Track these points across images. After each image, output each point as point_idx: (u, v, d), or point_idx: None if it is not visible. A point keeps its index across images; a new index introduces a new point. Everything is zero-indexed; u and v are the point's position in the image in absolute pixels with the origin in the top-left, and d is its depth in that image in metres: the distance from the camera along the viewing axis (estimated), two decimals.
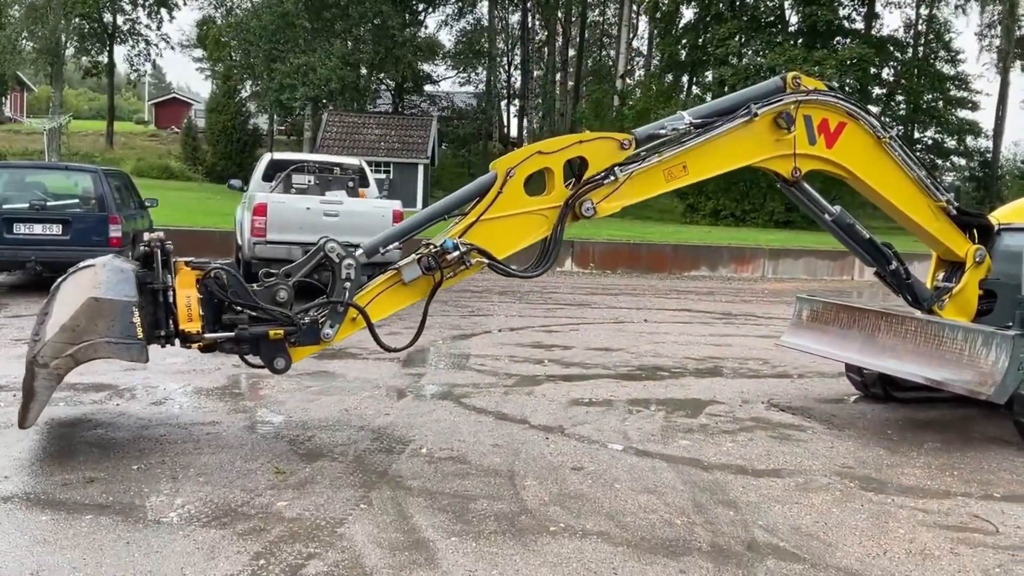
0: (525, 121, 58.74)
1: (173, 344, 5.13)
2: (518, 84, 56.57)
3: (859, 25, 38.97)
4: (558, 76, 54.43)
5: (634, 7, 46.85)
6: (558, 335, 10.87)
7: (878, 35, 39.83)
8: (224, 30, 46.03)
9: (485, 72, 51.37)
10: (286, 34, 37.83)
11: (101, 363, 7.81)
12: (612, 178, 5.64)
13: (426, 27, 49.08)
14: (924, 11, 43.69)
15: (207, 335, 5.05)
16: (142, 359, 4.78)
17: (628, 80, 45.17)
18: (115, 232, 11.91)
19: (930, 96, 40.36)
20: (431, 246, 5.39)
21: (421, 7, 46.76)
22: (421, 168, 38.19)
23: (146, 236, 5.19)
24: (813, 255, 21.63)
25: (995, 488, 5.48)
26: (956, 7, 42.51)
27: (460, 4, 50.87)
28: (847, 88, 30.55)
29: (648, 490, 5.12)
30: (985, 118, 42.96)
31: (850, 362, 7.52)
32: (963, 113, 41.05)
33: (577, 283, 17.45)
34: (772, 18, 34.98)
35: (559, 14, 52.55)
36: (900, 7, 42.21)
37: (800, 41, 32.82)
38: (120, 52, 61.57)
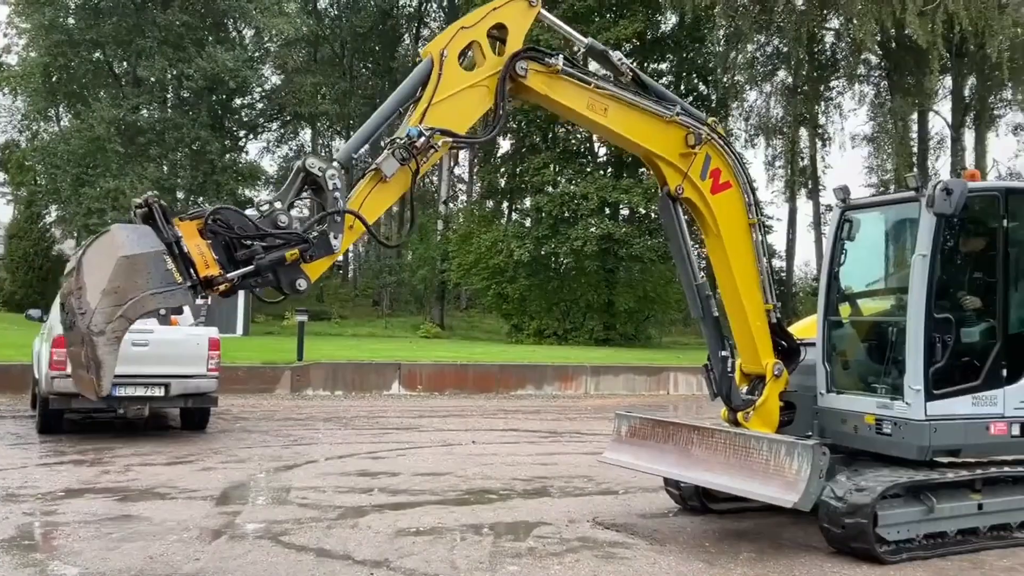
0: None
1: (200, 293, 5.06)
2: None
3: None
4: None
5: None
6: (385, 461, 10.63)
7: None
8: (29, 154, 43.77)
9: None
10: (96, 158, 36.38)
11: None
12: (552, 61, 6.18)
13: (247, 153, 48.57)
14: None
15: (229, 275, 5.03)
16: (188, 302, 4.94)
17: (451, 205, 46.37)
18: None
19: None
20: (397, 139, 5.59)
21: (242, 133, 46.42)
22: (241, 292, 37.13)
23: (141, 198, 5.08)
24: (632, 371, 22.43)
25: None
26: (746, 141, 46.74)
27: (282, 132, 51.04)
28: (650, 215, 32.60)
29: None
30: (778, 240, 46.77)
31: (667, 476, 7.75)
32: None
33: (405, 406, 17.23)
34: (582, 149, 37.11)
35: (382, 142, 53.42)
36: None
37: (609, 171, 34.85)
38: None
